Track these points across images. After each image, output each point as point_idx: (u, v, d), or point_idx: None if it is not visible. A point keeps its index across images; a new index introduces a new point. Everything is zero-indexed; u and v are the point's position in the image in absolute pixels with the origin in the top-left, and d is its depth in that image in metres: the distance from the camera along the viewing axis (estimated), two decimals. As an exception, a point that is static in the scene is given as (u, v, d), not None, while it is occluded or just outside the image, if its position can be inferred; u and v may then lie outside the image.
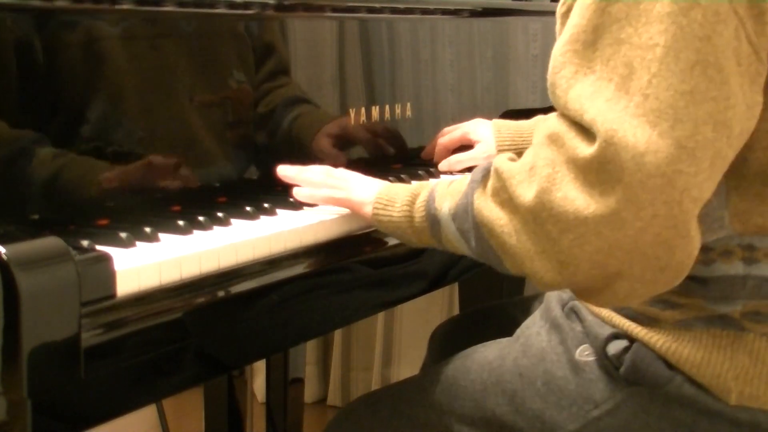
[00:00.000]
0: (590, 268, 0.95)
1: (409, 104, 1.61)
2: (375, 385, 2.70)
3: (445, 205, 1.10)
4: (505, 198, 1.01)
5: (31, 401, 0.88)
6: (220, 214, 1.18)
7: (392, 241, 1.29)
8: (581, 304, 1.15)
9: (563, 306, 1.18)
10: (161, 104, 1.22)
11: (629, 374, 1.07)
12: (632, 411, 1.08)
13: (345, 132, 1.49)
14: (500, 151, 1.51)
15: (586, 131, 0.94)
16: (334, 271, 1.24)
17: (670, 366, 1.05)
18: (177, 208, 1.23)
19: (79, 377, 0.91)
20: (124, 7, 1.17)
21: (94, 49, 1.14)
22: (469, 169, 1.44)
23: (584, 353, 1.12)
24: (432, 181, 1.48)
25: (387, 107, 1.57)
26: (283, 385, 1.67)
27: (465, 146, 1.58)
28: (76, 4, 1.13)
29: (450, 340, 1.55)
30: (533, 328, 1.21)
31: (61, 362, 0.90)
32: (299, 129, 1.42)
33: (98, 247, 0.99)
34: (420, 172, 1.53)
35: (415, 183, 1.21)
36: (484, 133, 1.55)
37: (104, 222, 1.14)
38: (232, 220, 1.19)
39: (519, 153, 1.07)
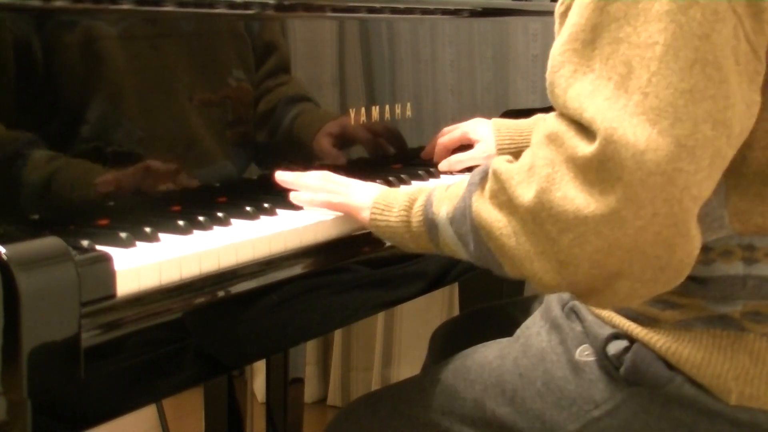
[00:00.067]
0: (590, 267, 0.95)
1: (409, 104, 1.61)
2: (375, 385, 2.70)
3: (442, 209, 1.10)
4: (503, 200, 1.01)
5: (31, 401, 0.88)
6: (220, 214, 1.18)
7: (392, 241, 1.29)
8: (581, 304, 1.15)
9: (563, 306, 1.18)
10: (161, 104, 1.22)
11: (629, 374, 1.07)
12: (632, 411, 1.08)
13: (345, 132, 1.49)
14: (500, 150, 1.51)
15: (585, 130, 0.94)
16: (334, 271, 1.24)
17: (670, 366, 1.05)
18: (177, 208, 1.23)
19: (79, 377, 0.91)
20: (124, 7, 1.17)
21: (94, 50, 1.14)
22: (470, 169, 1.44)
23: (584, 353, 1.12)
24: (429, 184, 1.48)
25: (387, 107, 1.57)
26: (283, 385, 1.67)
27: (465, 146, 1.58)
28: (75, 3, 1.13)
29: (450, 341, 1.55)
30: (533, 329, 1.20)
31: (61, 362, 0.90)
32: (299, 129, 1.42)
33: (98, 247, 0.99)
34: (420, 172, 1.53)
35: (412, 187, 1.21)
36: (484, 132, 1.55)
37: (104, 222, 1.14)
38: (232, 220, 1.19)
39: (519, 152, 1.07)
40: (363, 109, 1.52)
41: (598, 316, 1.12)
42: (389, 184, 1.43)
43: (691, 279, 1.04)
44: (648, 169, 0.89)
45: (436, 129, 1.64)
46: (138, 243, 1.06)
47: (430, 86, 1.68)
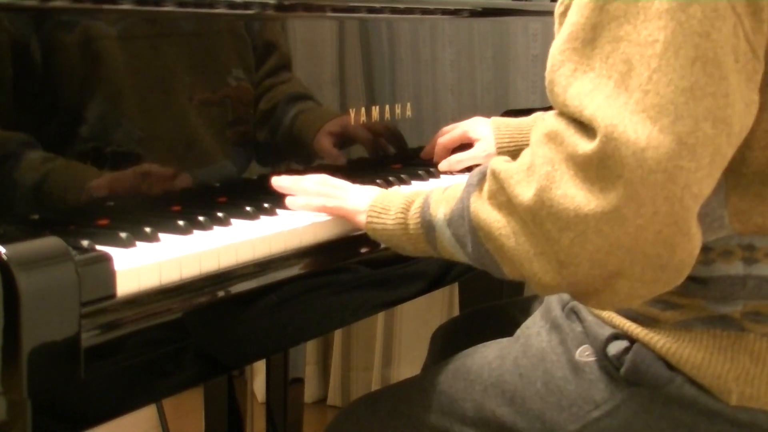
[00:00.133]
0: (590, 267, 0.95)
1: (409, 104, 1.61)
2: (375, 385, 2.70)
3: (440, 211, 1.10)
4: (502, 200, 1.01)
5: (31, 401, 0.88)
6: (220, 214, 1.18)
7: (392, 241, 1.29)
8: (581, 305, 1.14)
9: (563, 306, 1.18)
10: (161, 104, 1.22)
11: (629, 375, 1.07)
12: (632, 411, 1.08)
13: (345, 132, 1.49)
14: (500, 148, 1.51)
15: (585, 128, 0.94)
16: (334, 271, 1.24)
17: (670, 367, 1.05)
18: (177, 208, 1.23)
19: (79, 377, 0.91)
20: (124, 7, 1.17)
21: (96, 50, 1.14)
22: (470, 169, 1.44)
23: (584, 354, 1.12)
24: (429, 184, 1.48)
25: (387, 107, 1.57)
26: (283, 385, 1.67)
27: (465, 145, 1.58)
28: (75, 3, 1.13)
29: (450, 341, 1.55)
30: (533, 329, 1.20)
31: (61, 362, 0.90)
32: (299, 129, 1.42)
33: (98, 247, 0.99)
34: (420, 171, 1.53)
35: (410, 190, 1.20)
36: (484, 131, 1.55)
37: (104, 222, 1.14)
38: (232, 220, 1.19)
39: (518, 150, 1.07)
40: (363, 109, 1.52)
41: (598, 317, 1.12)
42: (389, 184, 1.43)
43: (691, 279, 1.04)
44: (649, 166, 0.89)
45: (436, 129, 1.64)
46: (138, 243, 1.06)
47: (430, 86, 1.68)
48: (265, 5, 1.36)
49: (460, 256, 1.10)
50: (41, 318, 0.88)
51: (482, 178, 1.06)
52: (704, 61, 0.90)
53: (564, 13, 1.00)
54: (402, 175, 1.48)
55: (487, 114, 1.63)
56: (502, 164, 1.02)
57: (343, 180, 1.29)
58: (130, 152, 1.19)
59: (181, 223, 1.13)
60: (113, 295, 0.95)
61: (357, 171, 1.45)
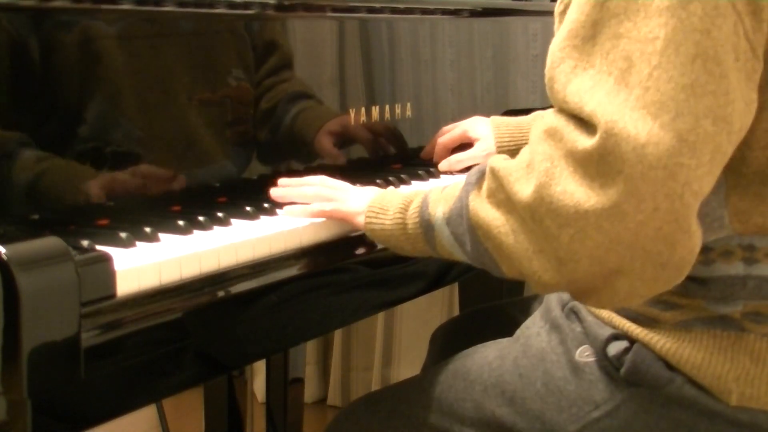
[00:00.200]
0: (590, 264, 0.94)
1: (409, 104, 1.61)
2: (375, 385, 2.70)
3: (438, 210, 1.10)
4: (501, 198, 1.01)
5: (31, 401, 0.88)
6: (220, 214, 1.18)
7: (392, 241, 1.29)
8: (581, 305, 1.14)
9: (563, 306, 1.18)
10: (161, 104, 1.22)
11: (629, 375, 1.07)
12: (632, 412, 1.08)
13: (345, 132, 1.49)
14: (499, 148, 1.51)
15: (585, 124, 0.93)
16: (334, 271, 1.24)
17: (670, 367, 1.05)
18: (177, 208, 1.23)
19: (79, 377, 0.91)
20: (123, 7, 1.17)
21: (95, 50, 1.14)
22: (470, 169, 1.44)
23: (584, 354, 1.12)
24: (429, 184, 1.48)
25: (387, 107, 1.57)
26: (283, 385, 1.67)
27: (464, 145, 1.58)
28: (75, 3, 1.13)
29: (450, 341, 1.55)
30: (533, 329, 1.20)
31: (61, 362, 0.90)
32: (299, 129, 1.42)
33: (98, 247, 0.99)
34: (420, 171, 1.53)
35: (408, 190, 1.20)
36: (483, 130, 1.55)
37: (104, 222, 1.14)
38: (232, 220, 1.19)
39: (518, 149, 1.07)
40: (363, 109, 1.52)
41: (598, 317, 1.12)
42: (389, 184, 1.43)
43: (692, 279, 1.04)
44: (649, 162, 0.89)
45: (436, 129, 1.64)
46: (138, 243, 1.06)
47: (430, 86, 1.68)
48: (265, 5, 1.36)
49: (458, 255, 1.10)
50: (41, 318, 0.88)
51: (481, 176, 1.06)
52: (705, 58, 0.90)
53: (564, 12, 1.00)
54: (402, 175, 1.48)
55: (487, 114, 1.63)
56: (501, 162, 1.02)
57: (342, 181, 1.29)
58: (130, 152, 1.19)
59: (181, 223, 1.13)
60: (113, 295, 0.95)
61: (357, 171, 1.45)
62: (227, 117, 1.31)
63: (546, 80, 0.99)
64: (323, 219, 1.22)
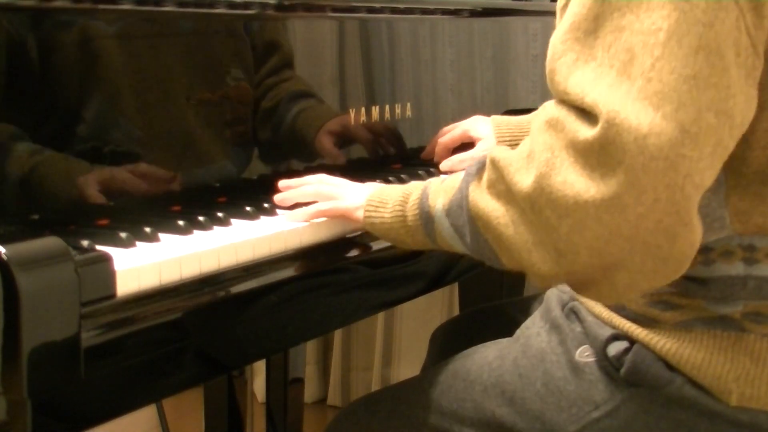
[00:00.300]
0: (589, 256, 0.94)
1: (409, 104, 1.61)
2: (375, 385, 2.70)
3: (438, 202, 1.10)
4: (501, 189, 1.00)
5: (31, 401, 0.88)
6: (220, 214, 1.18)
7: (392, 241, 1.29)
8: (581, 305, 1.14)
9: (563, 306, 1.18)
10: (161, 104, 1.22)
11: (629, 375, 1.07)
12: (632, 412, 1.08)
13: (345, 131, 1.49)
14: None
15: (586, 115, 0.93)
16: (334, 271, 1.24)
17: (670, 367, 1.05)
18: (177, 208, 1.23)
19: (79, 377, 0.91)
20: (123, 7, 1.17)
21: (96, 50, 1.14)
22: None
23: (584, 354, 1.12)
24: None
25: (387, 107, 1.57)
26: (283, 385, 1.67)
27: (465, 145, 1.58)
28: (75, 3, 1.13)
29: (450, 341, 1.55)
30: (533, 329, 1.20)
31: (61, 362, 0.90)
32: (299, 129, 1.42)
33: (98, 247, 0.99)
34: (420, 172, 1.52)
35: (407, 183, 1.20)
36: (484, 130, 1.55)
37: (104, 222, 1.14)
38: (232, 220, 1.19)
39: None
40: (363, 109, 1.52)
41: (598, 317, 1.12)
42: (389, 183, 1.43)
43: (692, 279, 1.04)
44: (650, 153, 0.88)
45: (436, 129, 1.64)
46: (138, 243, 1.06)
47: (430, 86, 1.68)
48: (265, 5, 1.36)
49: (458, 247, 1.10)
50: (41, 318, 0.88)
51: (481, 167, 1.05)
52: (708, 51, 0.90)
53: (565, 6, 1.00)
54: (402, 176, 1.48)
55: (487, 114, 1.63)
56: (501, 153, 1.02)
57: (341, 178, 1.29)
58: (130, 152, 1.19)
59: (181, 223, 1.13)
60: (113, 295, 0.95)
61: (357, 171, 1.45)
62: (227, 117, 1.31)
63: (547, 72, 0.98)
64: (323, 219, 1.22)
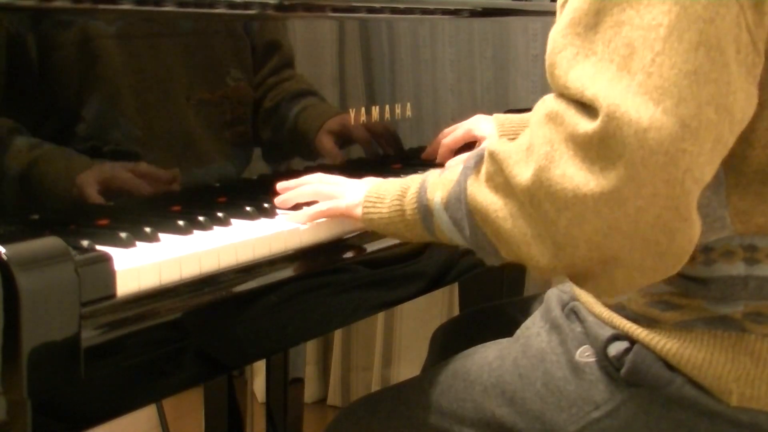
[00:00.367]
0: (588, 250, 0.94)
1: (409, 104, 1.61)
2: (375, 385, 2.70)
3: (437, 195, 1.10)
4: (500, 182, 1.01)
5: (31, 401, 0.88)
6: (220, 214, 1.18)
7: (392, 242, 1.29)
8: (582, 305, 1.15)
9: (563, 306, 1.18)
10: (161, 104, 1.22)
11: (630, 375, 1.07)
12: (633, 412, 1.08)
13: (345, 131, 1.49)
14: None
15: (586, 108, 0.93)
16: (334, 271, 1.24)
17: (670, 367, 1.05)
18: (177, 208, 1.23)
19: (79, 377, 0.91)
20: (123, 7, 1.17)
21: (97, 50, 1.14)
22: None
23: (584, 354, 1.12)
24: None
25: (387, 107, 1.57)
26: (283, 385, 1.67)
27: (467, 145, 1.58)
28: (75, 3, 1.13)
29: (450, 341, 1.55)
30: (533, 329, 1.20)
31: (61, 362, 0.90)
32: (299, 129, 1.42)
33: (98, 247, 0.99)
34: (420, 172, 1.52)
35: (404, 177, 1.20)
36: (487, 128, 1.55)
37: (104, 222, 1.14)
38: (232, 220, 1.19)
39: None
40: (363, 109, 1.52)
41: (598, 317, 1.12)
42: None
43: (692, 279, 1.04)
44: (650, 147, 0.88)
45: (436, 129, 1.64)
46: (138, 243, 1.06)
47: (430, 86, 1.68)
48: (265, 5, 1.36)
49: (457, 239, 1.10)
50: (41, 318, 0.88)
51: (479, 160, 1.05)
52: (708, 46, 0.90)
53: (566, 2, 1.00)
54: (402, 176, 1.48)
55: (488, 114, 1.63)
56: (500, 145, 1.01)
57: (339, 177, 1.29)
58: (130, 152, 1.19)
59: (181, 223, 1.12)
60: (113, 295, 0.95)
61: (357, 171, 1.45)
62: (227, 117, 1.31)
63: (546, 66, 0.98)
64: (323, 219, 1.22)
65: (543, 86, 1.03)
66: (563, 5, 1.01)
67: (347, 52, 1.51)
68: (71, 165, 1.12)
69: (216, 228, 1.16)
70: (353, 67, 1.52)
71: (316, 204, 1.23)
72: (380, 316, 2.70)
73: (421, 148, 1.64)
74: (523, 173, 0.96)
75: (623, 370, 1.07)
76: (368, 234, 1.25)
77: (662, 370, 1.05)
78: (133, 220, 1.13)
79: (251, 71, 1.34)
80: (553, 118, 0.95)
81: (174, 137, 1.24)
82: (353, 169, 1.47)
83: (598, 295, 1.10)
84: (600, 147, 0.91)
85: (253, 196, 1.29)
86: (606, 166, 0.90)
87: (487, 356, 1.22)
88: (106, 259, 0.95)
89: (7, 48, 1.04)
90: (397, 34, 1.61)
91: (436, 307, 2.63)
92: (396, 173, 1.49)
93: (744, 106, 0.94)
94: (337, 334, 2.76)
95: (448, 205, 1.08)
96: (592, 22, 0.94)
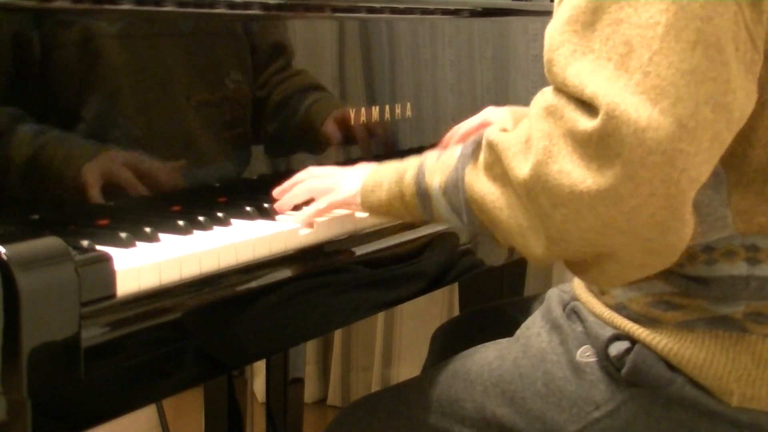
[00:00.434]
0: (582, 245, 0.95)
1: (409, 104, 1.61)
2: (375, 385, 2.70)
3: (435, 180, 1.10)
4: (498, 172, 1.01)
5: (31, 401, 0.88)
6: (220, 214, 1.18)
7: (392, 241, 1.29)
8: (582, 305, 1.14)
9: (564, 306, 1.18)
10: (161, 104, 1.22)
11: (630, 375, 1.07)
12: (633, 412, 1.08)
13: (345, 131, 1.49)
14: None
15: (585, 105, 0.93)
16: (334, 271, 1.24)
17: (671, 367, 1.05)
18: (177, 208, 1.23)
19: (79, 377, 0.91)
20: (124, 7, 1.17)
21: (97, 51, 1.14)
22: None
23: (585, 354, 1.12)
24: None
25: (387, 107, 1.57)
26: (283, 385, 1.67)
27: None
28: (75, 4, 1.13)
29: (450, 341, 1.55)
30: (533, 329, 1.20)
31: (61, 362, 0.90)
32: (299, 128, 1.42)
33: (98, 247, 0.99)
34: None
35: (400, 161, 1.19)
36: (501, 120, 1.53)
37: (104, 222, 1.14)
38: (232, 220, 1.19)
39: None
40: (363, 109, 1.51)
41: (599, 317, 1.12)
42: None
43: (694, 279, 1.04)
44: (648, 147, 0.89)
45: (436, 129, 1.63)
46: (138, 243, 1.06)
47: (430, 86, 1.68)
48: (265, 5, 1.36)
49: (456, 223, 1.11)
50: (41, 318, 0.88)
51: (477, 147, 1.05)
52: (706, 45, 0.90)
53: (562, 0, 1.00)
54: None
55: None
56: (499, 135, 1.02)
57: (331, 166, 1.28)
58: (130, 152, 1.18)
59: (181, 223, 1.12)
60: (113, 295, 0.95)
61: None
62: (227, 117, 1.31)
63: (545, 61, 0.99)
64: (322, 219, 1.22)
65: (543, 86, 1.02)
66: (560, 2, 1.01)
67: (347, 52, 1.51)
68: (71, 165, 1.12)
69: (216, 228, 1.16)
70: (353, 67, 1.52)
71: (313, 203, 1.23)
72: (380, 316, 2.69)
73: (422, 148, 1.63)
74: (521, 166, 0.97)
75: (624, 370, 1.07)
76: (368, 234, 1.25)
77: (663, 370, 1.05)
78: (133, 220, 1.12)
79: (251, 71, 1.34)
80: (552, 112, 0.95)
81: (174, 137, 1.24)
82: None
83: (588, 283, 1.11)
84: (598, 145, 0.91)
85: (253, 196, 1.29)
86: (603, 164, 0.91)
87: (488, 356, 1.22)
88: (106, 259, 0.95)
89: (5, 49, 1.04)
90: (397, 34, 1.61)
91: (436, 307, 2.63)
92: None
93: (743, 104, 0.94)
94: (337, 334, 2.76)
95: (446, 191, 1.09)
96: (590, 19, 0.94)
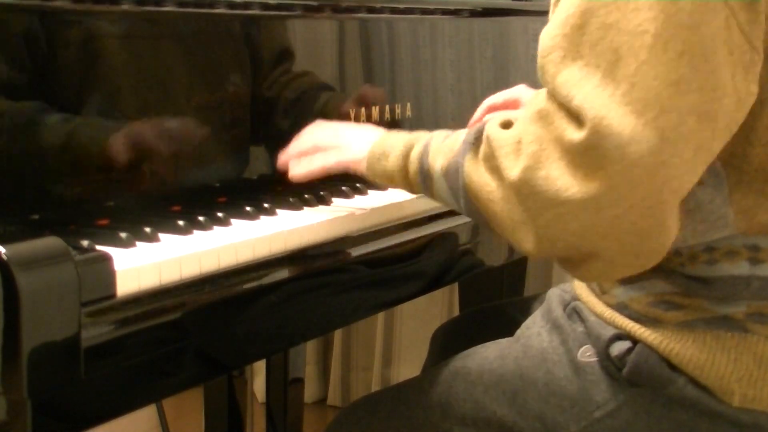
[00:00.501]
0: (566, 247, 0.97)
1: (409, 104, 1.61)
2: (375, 385, 2.70)
3: (437, 163, 1.11)
4: (494, 165, 1.01)
5: (31, 401, 0.88)
6: (220, 214, 1.18)
7: (392, 241, 1.29)
8: (583, 305, 1.15)
9: (565, 306, 1.18)
10: (162, 105, 1.22)
11: (631, 375, 1.07)
12: (634, 412, 1.08)
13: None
14: None
15: (573, 115, 0.94)
16: (334, 271, 1.24)
17: (672, 367, 1.05)
18: (177, 208, 1.23)
19: (79, 377, 0.91)
20: (124, 7, 1.17)
21: (98, 51, 1.14)
22: None
23: (586, 354, 1.12)
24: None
25: (387, 107, 1.57)
26: (283, 385, 1.67)
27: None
28: (75, 4, 1.13)
29: (450, 341, 1.55)
30: (534, 329, 1.20)
31: (61, 362, 0.89)
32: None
33: (98, 247, 0.99)
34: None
35: (410, 133, 1.19)
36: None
37: (104, 222, 1.14)
38: (232, 220, 1.19)
39: None
40: (363, 109, 1.51)
41: (600, 317, 1.12)
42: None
43: (695, 279, 1.04)
44: (631, 161, 0.90)
45: (436, 129, 1.63)
46: (138, 243, 1.06)
47: (430, 86, 1.68)
48: (265, 5, 1.36)
49: (454, 207, 1.11)
50: (41, 318, 0.88)
51: (479, 136, 1.06)
52: (692, 54, 0.90)
53: (557, 2, 1.00)
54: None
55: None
56: (495, 131, 1.02)
57: (340, 123, 1.28)
58: (130, 152, 1.18)
59: (181, 223, 1.12)
60: (113, 295, 0.95)
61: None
62: (227, 117, 1.31)
63: (538, 68, 0.99)
64: (323, 218, 1.22)
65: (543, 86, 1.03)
66: (555, 4, 1.01)
67: (347, 52, 1.51)
68: (71, 165, 1.12)
69: (216, 228, 1.16)
70: (353, 67, 1.52)
71: (320, 155, 1.23)
72: (380, 316, 2.69)
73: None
74: (511, 167, 0.98)
75: (625, 370, 1.07)
76: (368, 234, 1.25)
77: (664, 370, 1.05)
78: (133, 220, 1.12)
79: (251, 71, 1.34)
80: (543, 117, 0.96)
81: (174, 137, 1.24)
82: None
83: (577, 279, 1.13)
84: (584, 156, 0.92)
85: (253, 196, 1.28)
86: (588, 174, 0.92)
87: (488, 356, 1.22)
88: (106, 259, 0.95)
89: (5, 50, 1.04)
90: (397, 34, 1.61)
91: (436, 307, 2.63)
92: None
93: (732, 110, 0.94)
94: (337, 334, 2.76)
95: (447, 175, 1.09)
96: (579, 22, 0.95)
